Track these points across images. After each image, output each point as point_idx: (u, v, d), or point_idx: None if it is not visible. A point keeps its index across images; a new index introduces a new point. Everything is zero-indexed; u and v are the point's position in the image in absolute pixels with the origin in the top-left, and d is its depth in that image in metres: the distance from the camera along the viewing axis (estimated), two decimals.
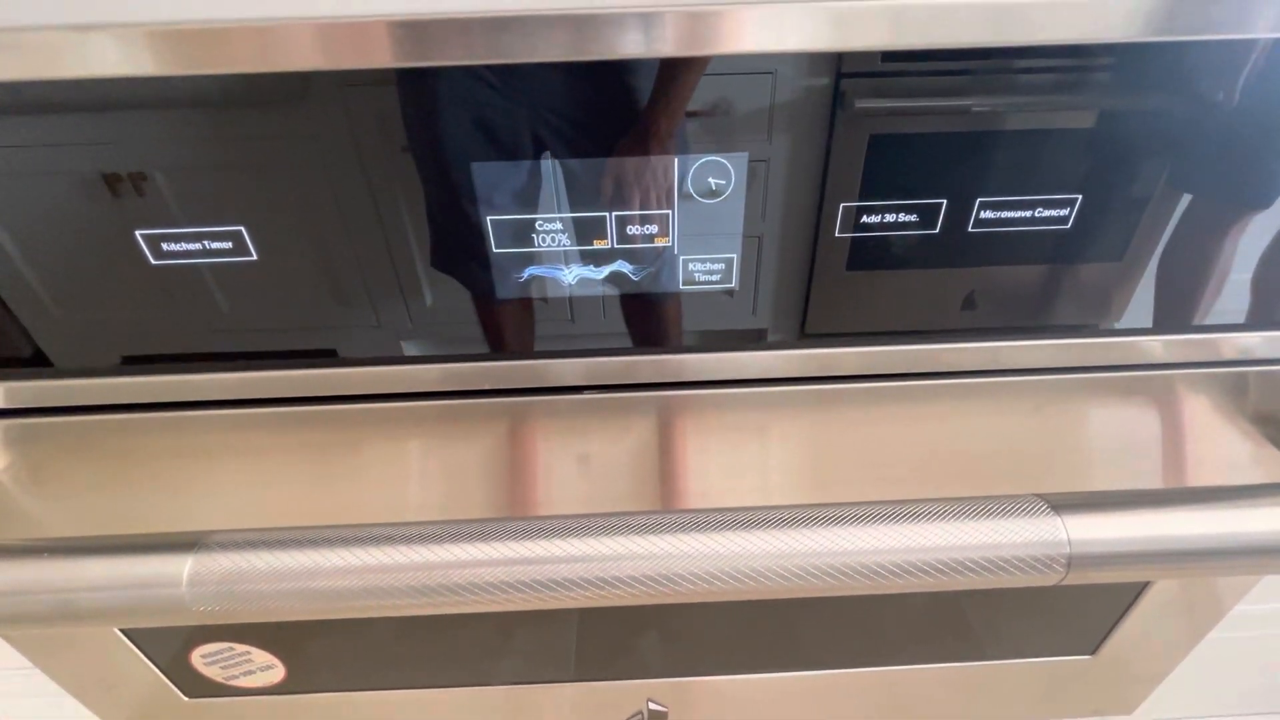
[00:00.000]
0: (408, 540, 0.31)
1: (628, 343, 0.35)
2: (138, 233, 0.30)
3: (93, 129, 0.28)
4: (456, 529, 0.31)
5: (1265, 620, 0.65)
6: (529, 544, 0.30)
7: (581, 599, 0.30)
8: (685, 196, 0.30)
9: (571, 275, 0.32)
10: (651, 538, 0.31)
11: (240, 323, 0.33)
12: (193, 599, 0.30)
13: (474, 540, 0.30)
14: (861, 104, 0.28)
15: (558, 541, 0.30)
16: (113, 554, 0.31)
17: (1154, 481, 0.43)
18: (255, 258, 0.31)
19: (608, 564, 0.30)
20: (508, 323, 0.34)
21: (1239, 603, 0.53)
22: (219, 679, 0.54)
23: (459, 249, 0.31)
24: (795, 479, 0.41)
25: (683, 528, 0.32)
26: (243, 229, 0.30)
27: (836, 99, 0.28)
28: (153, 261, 0.31)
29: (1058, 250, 0.32)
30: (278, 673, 0.55)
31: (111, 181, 0.29)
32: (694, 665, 0.57)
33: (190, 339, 0.34)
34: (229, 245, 0.31)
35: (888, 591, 0.31)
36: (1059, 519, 0.31)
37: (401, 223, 0.31)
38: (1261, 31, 0.26)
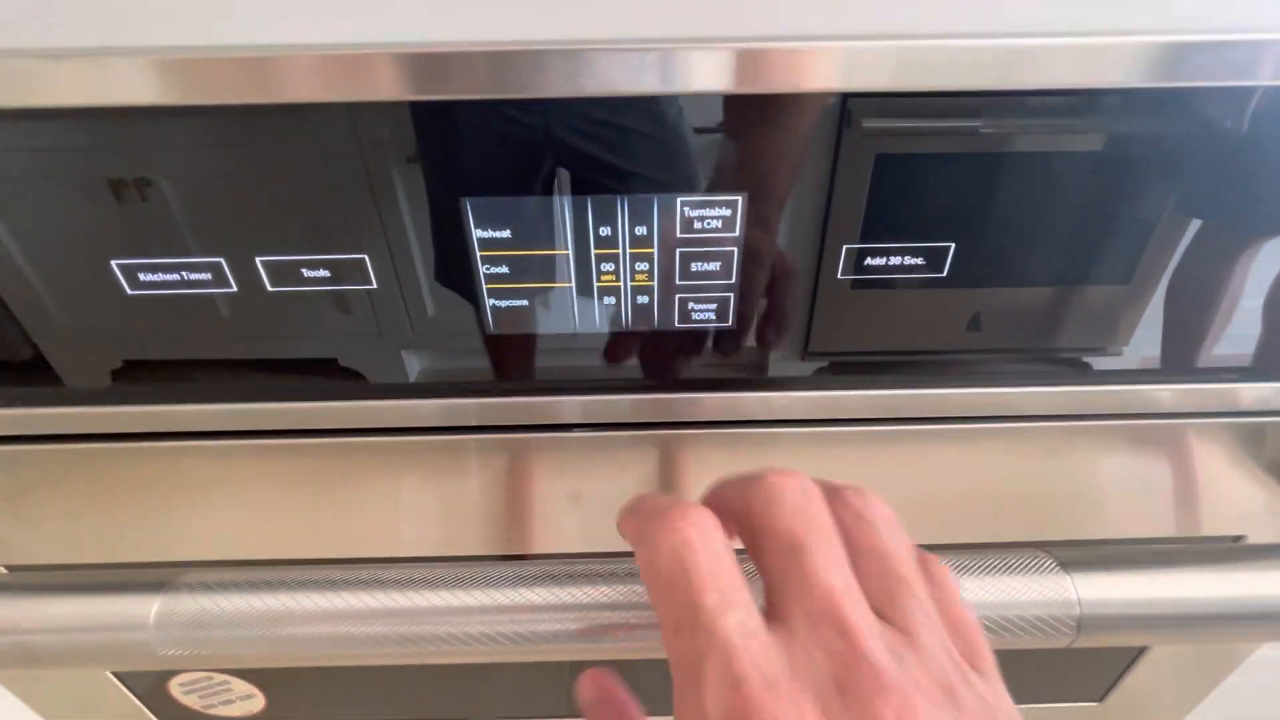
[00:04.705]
0: (386, 586, 0.30)
1: (626, 379, 0.34)
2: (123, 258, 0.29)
3: (86, 140, 0.27)
4: (438, 574, 0.30)
5: None
6: (508, 592, 0.29)
7: (566, 653, 0.29)
8: (683, 234, 0.29)
9: (571, 310, 0.31)
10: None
11: (241, 329, 0.32)
12: (159, 642, 0.29)
13: (453, 587, 0.29)
14: (868, 127, 0.27)
15: (539, 590, 0.29)
16: (76, 594, 0.30)
17: (1167, 531, 0.41)
18: (246, 285, 0.30)
19: (587, 613, 0.29)
20: (506, 350, 0.33)
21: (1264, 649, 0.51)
22: (197, 707, 0.53)
23: (459, 272, 0.30)
24: None
25: None
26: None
27: (842, 128, 0.27)
28: (137, 280, 0.30)
29: (1066, 276, 0.31)
30: (258, 702, 0.53)
31: (116, 187, 0.28)
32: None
33: (190, 346, 0.33)
34: (211, 271, 0.30)
35: None
36: (1068, 577, 0.29)
37: (405, 235, 0.30)
38: (1264, 79, 0.25)
